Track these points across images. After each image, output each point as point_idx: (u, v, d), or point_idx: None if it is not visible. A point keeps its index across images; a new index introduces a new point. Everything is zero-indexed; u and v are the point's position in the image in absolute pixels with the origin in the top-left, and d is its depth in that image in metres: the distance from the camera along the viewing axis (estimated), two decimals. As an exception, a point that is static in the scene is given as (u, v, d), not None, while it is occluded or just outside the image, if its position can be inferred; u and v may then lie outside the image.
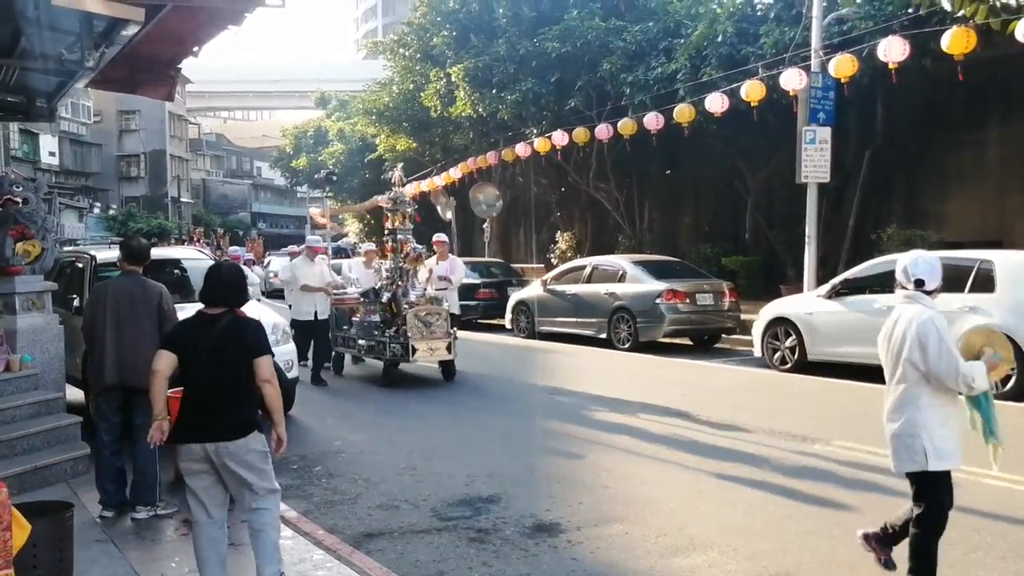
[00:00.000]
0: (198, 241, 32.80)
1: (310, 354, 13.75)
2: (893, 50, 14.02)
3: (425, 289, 13.36)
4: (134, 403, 6.71)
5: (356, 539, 6.20)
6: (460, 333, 14.09)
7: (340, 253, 40.04)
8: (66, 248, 15.03)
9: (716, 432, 9.27)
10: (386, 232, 13.47)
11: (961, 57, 13.16)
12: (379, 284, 13.70)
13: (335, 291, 14.13)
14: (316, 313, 13.49)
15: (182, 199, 67.18)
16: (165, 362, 4.84)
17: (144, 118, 62.81)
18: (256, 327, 5.00)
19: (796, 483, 7.29)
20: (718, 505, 6.77)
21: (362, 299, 13.86)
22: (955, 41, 13.01)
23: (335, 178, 28.00)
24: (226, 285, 5.00)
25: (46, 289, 9.04)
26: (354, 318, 13.93)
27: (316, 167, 47.65)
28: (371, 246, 16.66)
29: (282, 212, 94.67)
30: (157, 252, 10.18)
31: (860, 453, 8.20)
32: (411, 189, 33.13)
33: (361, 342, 13.53)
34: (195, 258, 12.16)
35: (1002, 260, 11.32)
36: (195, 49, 9.10)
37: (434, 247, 14.91)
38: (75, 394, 9.82)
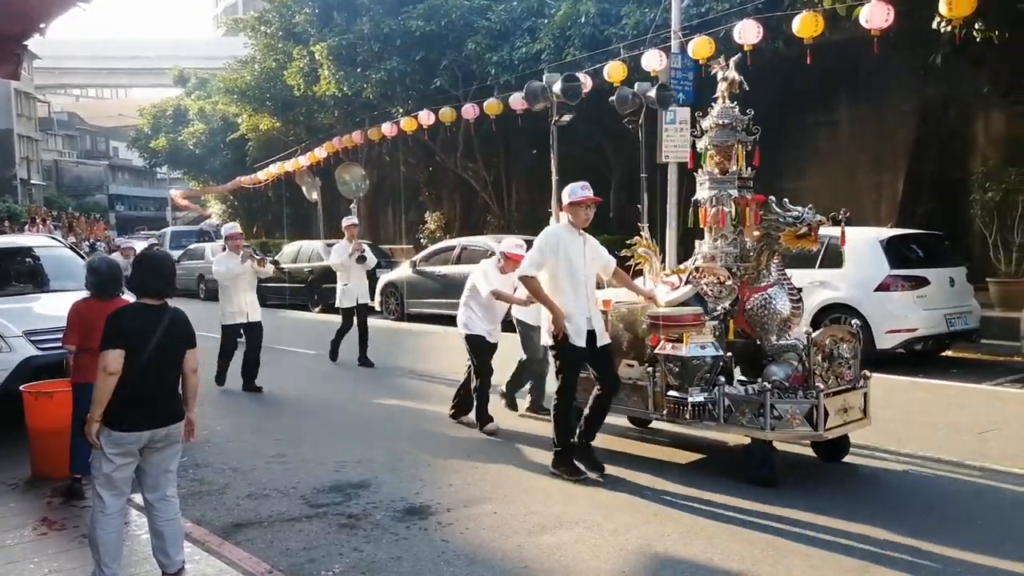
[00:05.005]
0: (43, 224, 31.11)
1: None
2: (748, 33, 14.43)
3: (798, 291, 7.15)
4: None
5: (225, 530, 6.11)
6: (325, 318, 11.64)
7: (204, 236, 39.08)
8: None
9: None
10: (703, 182, 7.61)
11: (810, 40, 13.67)
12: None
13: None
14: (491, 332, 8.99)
15: (32, 181, 64.25)
16: (118, 363, 4.67)
17: (-13, 96, 59.71)
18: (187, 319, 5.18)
19: (661, 456, 7.51)
20: (582, 481, 6.91)
21: (705, 316, 7.03)
22: (804, 25, 13.51)
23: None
24: (168, 275, 5.09)
25: None
26: (663, 350, 7.07)
27: (176, 147, 46.22)
28: (235, 227, 12.42)
29: (142, 194, 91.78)
30: (5, 240, 9.77)
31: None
32: (275, 169, 32.62)
33: (677, 395, 6.97)
34: (47, 245, 11.67)
35: (849, 237, 11.82)
36: (42, 26, 8.72)
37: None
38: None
